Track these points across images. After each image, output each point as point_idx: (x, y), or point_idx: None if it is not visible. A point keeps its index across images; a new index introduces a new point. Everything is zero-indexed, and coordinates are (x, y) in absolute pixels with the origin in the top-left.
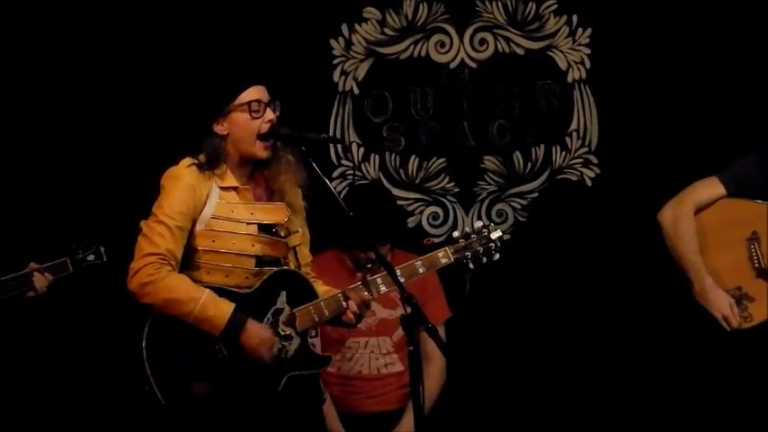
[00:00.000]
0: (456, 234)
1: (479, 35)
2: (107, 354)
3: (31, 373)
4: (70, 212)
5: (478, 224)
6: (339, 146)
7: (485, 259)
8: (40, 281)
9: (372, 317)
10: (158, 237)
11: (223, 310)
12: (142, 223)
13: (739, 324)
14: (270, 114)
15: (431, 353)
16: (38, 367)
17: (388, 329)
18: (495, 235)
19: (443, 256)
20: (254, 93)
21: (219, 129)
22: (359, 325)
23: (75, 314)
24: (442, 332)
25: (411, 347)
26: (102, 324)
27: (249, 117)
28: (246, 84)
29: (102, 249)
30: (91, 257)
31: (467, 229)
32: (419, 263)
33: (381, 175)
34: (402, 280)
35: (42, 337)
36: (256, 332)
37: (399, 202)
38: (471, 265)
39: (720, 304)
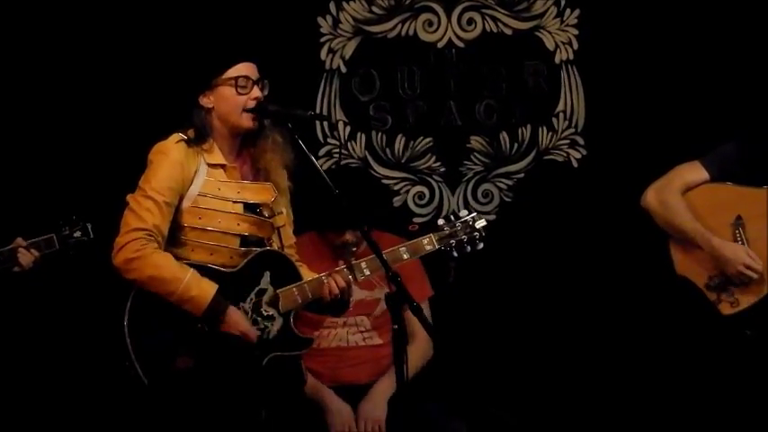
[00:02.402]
0: (441, 221)
1: (467, 15)
2: (93, 330)
3: (15, 350)
4: (57, 189)
5: (464, 213)
6: (326, 124)
7: (469, 248)
8: (26, 257)
9: None
10: (146, 212)
11: (205, 290)
12: (129, 197)
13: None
14: (256, 92)
15: (415, 332)
16: (22, 344)
17: (367, 309)
18: (479, 224)
19: (428, 243)
20: (243, 69)
21: (206, 102)
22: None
23: (61, 291)
24: (425, 310)
25: (396, 326)
26: (88, 301)
27: (235, 92)
28: (236, 59)
29: (89, 226)
30: (77, 234)
31: (451, 216)
32: (404, 248)
33: (368, 154)
34: None
35: (28, 313)
36: (234, 323)
37: (385, 182)
38: (455, 253)
39: (739, 256)
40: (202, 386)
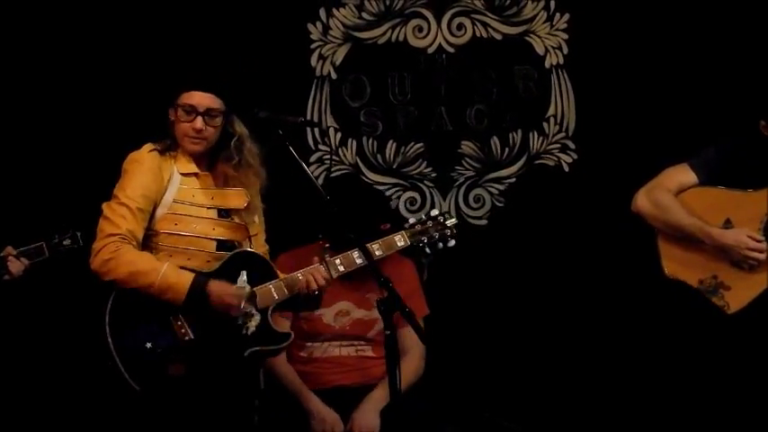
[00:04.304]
0: (412, 220)
1: (457, 20)
2: (82, 338)
3: (5, 358)
4: (47, 197)
5: (434, 212)
6: (316, 131)
7: (441, 245)
8: (16, 265)
9: (347, 317)
10: (120, 218)
11: (184, 276)
12: (104, 205)
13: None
14: (198, 123)
15: (409, 347)
16: (12, 352)
17: (364, 329)
18: (450, 222)
19: (400, 239)
20: (196, 98)
21: (171, 116)
22: (333, 324)
23: (50, 298)
24: None
25: (388, 332)
26: (78, 308)
27: (178, 118)
28: (190, 86)
29: (79, 234)
30: (67, 242)
31: (423, 215)
32: (376, 245)
33: (359, 160)
34: (359, 262)
35: (18, 321)
36: (220, 288)
37: (377, 187)
38: (428, 250)
39: (740, 241)
40: (190, 394)
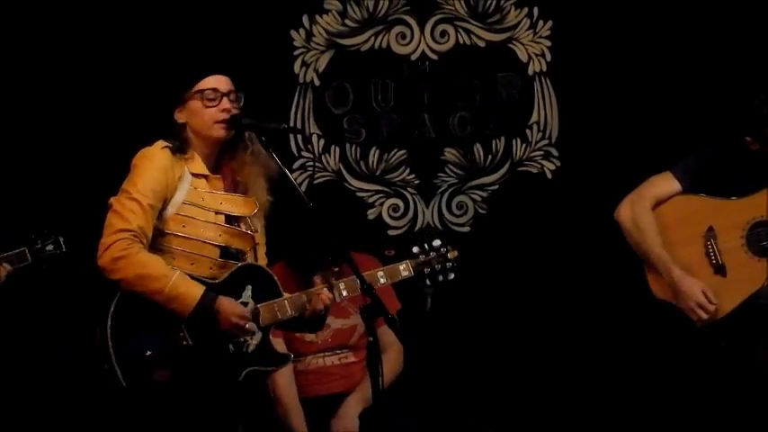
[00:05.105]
0: (416, 249)
1: (440, 27)
2: (66, 343)
3: None
4: (29, 202)
5: (437, 243)
6: (299, 137)
7: (441, 277)
8: None
9: (327, 329)
10: (130, 213)
11: (194, 288)
12: (112, 200)
13: (715, 312)
14: (225, 104)
15: (387, 345)
16: None
17: (344, 338)
18: (451, 255)
19: (404, 269)
20: (212, 81)
21: (180, 117)
22: (316, 340)
23: (34, 304)
24: None
25: (371, 338)
26: (62, 314)
27: (203, 105)
28: (204, 73)
29: (62, 239)
30: (50, 247)
31: (425, 245)
32: (381, 273)
33: (342, 167)
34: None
35: (0, 326)
36: (230, 309)
37: (359, 194)
38: (428, 281)
39: (693, 292)
40: (180, 399)
